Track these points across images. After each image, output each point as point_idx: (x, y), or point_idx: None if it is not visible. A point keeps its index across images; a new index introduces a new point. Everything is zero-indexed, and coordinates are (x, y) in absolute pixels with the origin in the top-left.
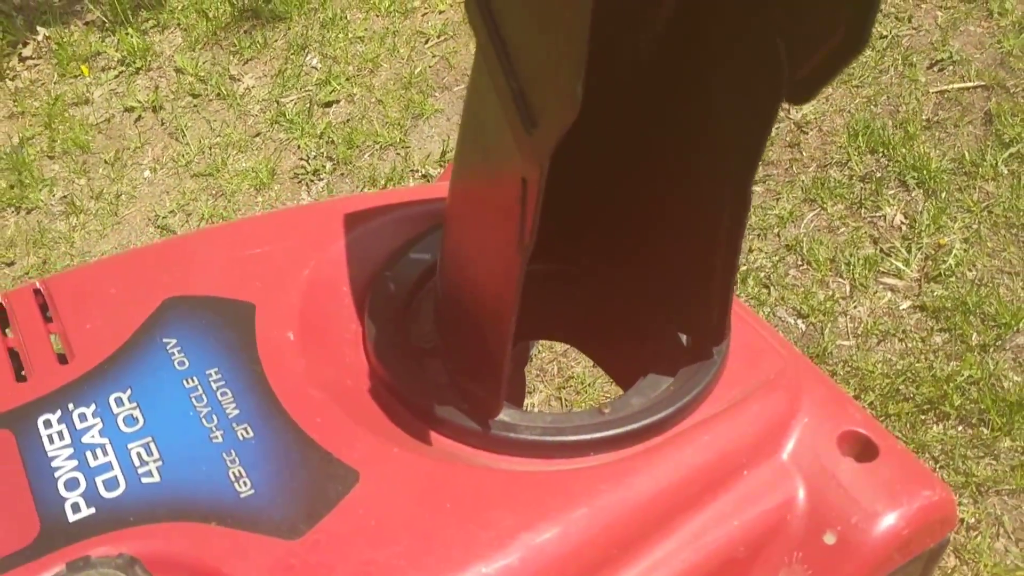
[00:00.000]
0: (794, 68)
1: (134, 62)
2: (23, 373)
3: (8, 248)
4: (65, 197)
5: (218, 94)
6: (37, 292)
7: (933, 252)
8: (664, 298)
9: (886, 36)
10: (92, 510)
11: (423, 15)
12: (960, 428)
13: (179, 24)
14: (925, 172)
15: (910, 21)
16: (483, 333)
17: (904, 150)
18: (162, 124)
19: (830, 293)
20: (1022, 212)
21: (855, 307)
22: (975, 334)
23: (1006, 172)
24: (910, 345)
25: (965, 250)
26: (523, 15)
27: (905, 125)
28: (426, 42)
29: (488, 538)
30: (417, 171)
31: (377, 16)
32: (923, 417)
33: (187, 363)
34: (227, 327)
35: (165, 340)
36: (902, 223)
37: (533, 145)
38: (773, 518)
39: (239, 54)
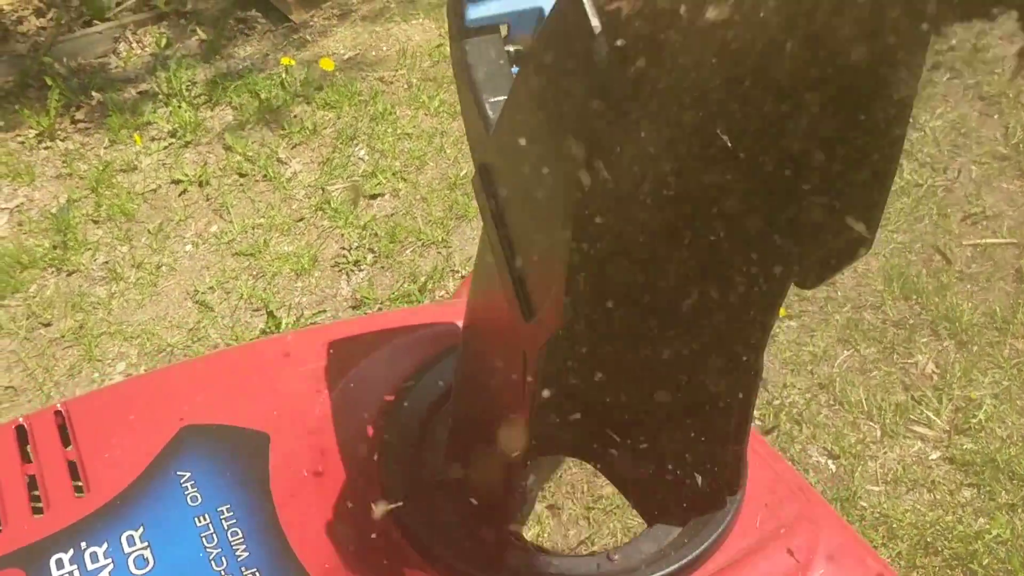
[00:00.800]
0: (801, 256)
1: (184, 135)
2: (39, 505)
3: (47, 308)
4: (107, 263)
5: (265, 175)
6: (58, 414)
7: (963, 405)
8: (681, 449)
9: (922, 185)
10: None
11: None
12: None
13: (230, 102)
14: (957, 324)
15: (945, 172)
16: (492, 481)
17: (937, 299)
18: (207, 199)
19: (861, 436)
20: None
21: (885, 452)
22: (1004, 492)
23: None
24: (939, 497)
25: (995, 406)
26: (522, 213)
27: (939, 275)
28: None
29: None
30: (458, 271)
31: (426, 115)
32: (951, 573)
33: (200, 499)
34: (241, 459)
35: (179, 473)
36: (933, 372)
37: (530, 332)
38: None
39: (288, 138)
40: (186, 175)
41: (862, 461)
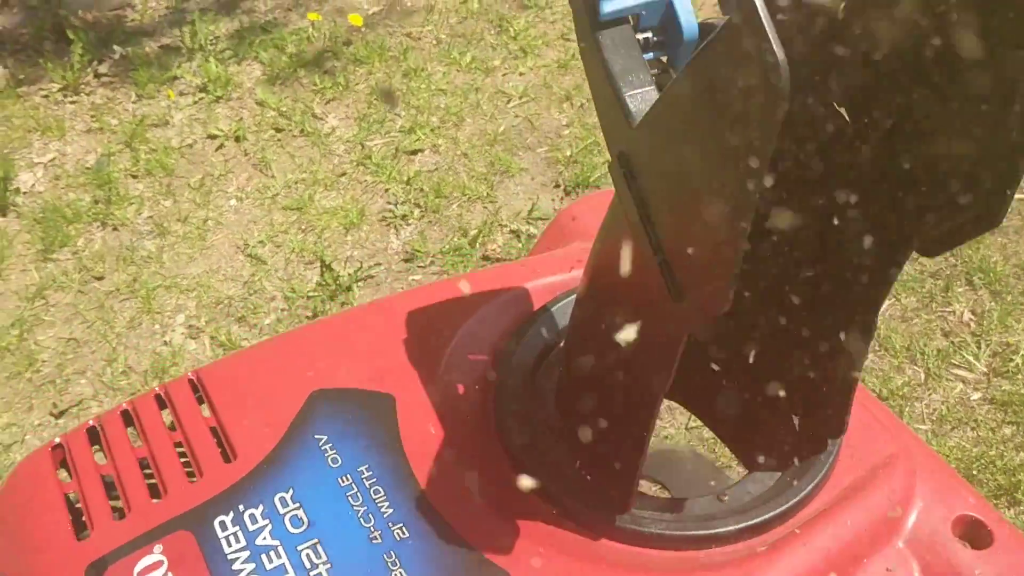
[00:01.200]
0: (927, 228)
1: (214, 90)
2: (192, 471)
3: (97, 262)
4: (151, 217)
5: (302, 131)
6: (192, 384)
7: (1000, 350)
8: (789, 393)
9: None
10: None
11: (503, 75)
12: None
13: (257, 57)
14: (991, 274)
15: None
16: (616, 440)
17: (971, 252)
18: (245, 155)
19: (907, 379)
20: None
21: (930, 394)
22: None
23: None
24: (982, 434)
25: None
26: (674, 202)
27: None
28: (508, 102)
29: None
30: (506, 226)
31: (458, 71)
32: (996, 502)
33: (340, 460)
34: (372, 422)
35: (317, 437)
36: (971, 319)
37: (678, 315)
38: None
39: (321, 93)
40: (221, 130)
41: (909, 402)
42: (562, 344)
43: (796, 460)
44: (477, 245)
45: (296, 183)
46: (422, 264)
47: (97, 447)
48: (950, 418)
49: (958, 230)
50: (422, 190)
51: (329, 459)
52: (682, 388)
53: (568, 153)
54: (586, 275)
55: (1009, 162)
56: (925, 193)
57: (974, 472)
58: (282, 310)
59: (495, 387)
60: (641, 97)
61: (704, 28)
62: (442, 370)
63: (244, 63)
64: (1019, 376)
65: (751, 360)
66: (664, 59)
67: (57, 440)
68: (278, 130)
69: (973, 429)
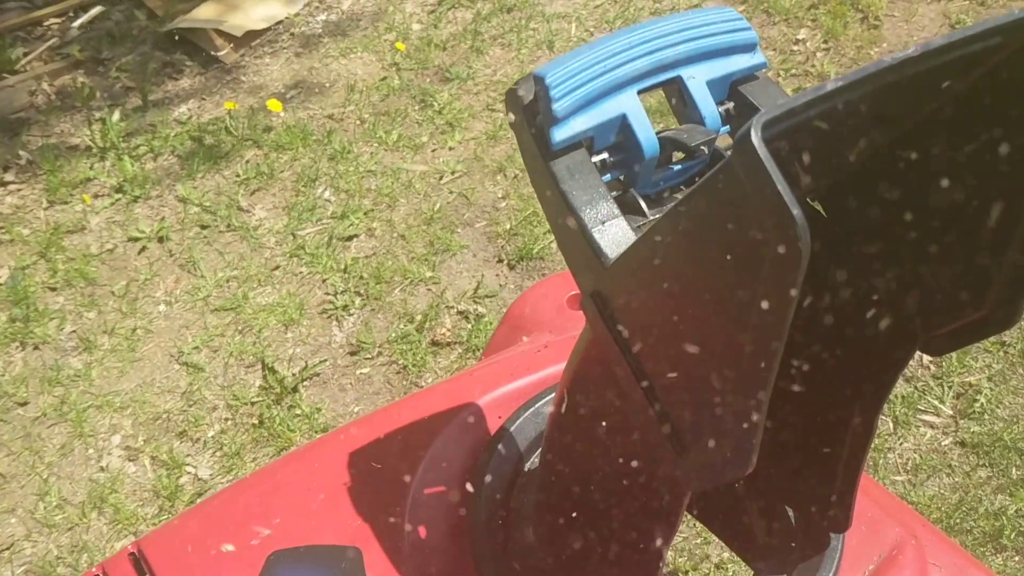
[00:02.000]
0: (932, 327)
1: (132, 190)
2: None
3: (18, 386)
4: (75, 331)
5: (229, 225)
6: (133, 558)
7: (963, 391)
8: (783, 490)
9: None
10: None
11: (432, 151)
12: (1017, 559)
13: (174, 151)
14: None
15: None
16: None
17: None
18: (171, 255)
19: (878, 431)
20: None
21: (902, 443)
22: (1015, 469)
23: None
24: (958, 480)
25: (992, 389)
26: (669, 350)
27: None
28: (440, 179)
29: None
30: (453, 307)
31: (386, 151)
32: (982, 550)
33: None
34: None
35: None
36: (930, 363)
37: (683, 468)
38: None
39: (245, 184)
40: (142, 231)
41: (883, 453)
42: (529, 466)
43: (801, 558)
44: (424, 331)
45: (228, 281)
46: (369, 356)
47: None
48: (925, 466)
49: (968, 331)
50: (361, 277)
51: None
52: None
53: (508, 226)
54: (562, 400)
55: (1018, 274)
56: (928, 295)
57: (957, 520)
58: (226, 419)
59: (469, 528)
60: (611, 231)
61: (664, 141)
62: (408, 512)
63: (160, 158)
64: (985, 416)
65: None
66: (622, 179)
67: None
68: (203, 227)
69: (949, 475)
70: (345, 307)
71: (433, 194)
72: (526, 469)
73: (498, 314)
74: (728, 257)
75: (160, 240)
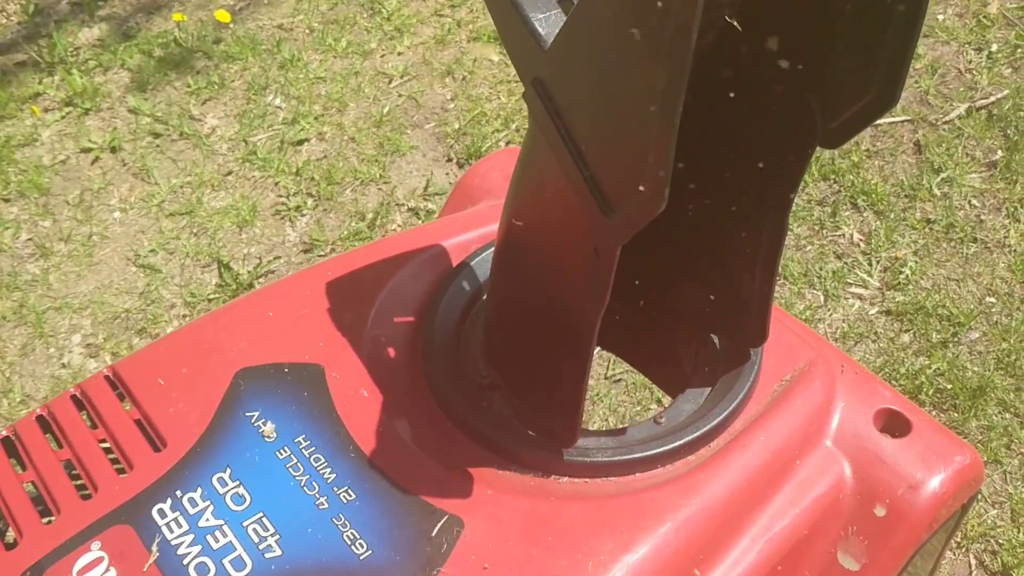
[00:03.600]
0: (828, 119)
1: (82, 103)
2: (121, 467)
3: None
4: (31, 239)
5: (181, 134)
6: (109, 379)
7: (890, 265)
8: (707, 310)
9: None
10: None
11: (381, 56)
12: (935, 413)
13: (123, 64)
14: (873, 196)
15: None
16: (555, 374)
17: (852, 176)
18: (124, 165)
19: (808, 303)
20: (956, 228)
21: (831, 314)
22: (935, 333)
23: (939, 194)
24: (883, 345)
25: (917, 262)
26: (596, 116)
27: (849, 155)
28: (390, 82)
29: (594, 565)
30: (403, 205)
31: (335, 57)
32: None
33: (275, 435)
34: (303, 392)
35: (248, 414)
36: (860, 240)
37: (609, 228)
38: (827, 500)
39: (196, 94)
40: (95, 143)
41: (813, 324)
42: (485, 296)
43: (721, 374)
44: (376, 228)
45: (182, 187)
46: (322, 253)
47: (14, 460)
48: (852, 334)
49: (859, 117)
50: (313, 179)
51: (264, 434)
52: (600, 329)
53: (456, 126)
54: (504, 219)
55: (899, 44)
56: (826, 86)
57: None
58: (184, 316)
59: (422, 345)
60: (549, 20)
61: None
62: (368, 334)
63: (110, 72)
64: (910, 287)
65: (669, 277)
66: None
67: None
68: (156, 136)
69: (874, 341)
70: (297, 208)
71: (382, 98)
72: (482, 300)
73: None
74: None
75: (113, 150)
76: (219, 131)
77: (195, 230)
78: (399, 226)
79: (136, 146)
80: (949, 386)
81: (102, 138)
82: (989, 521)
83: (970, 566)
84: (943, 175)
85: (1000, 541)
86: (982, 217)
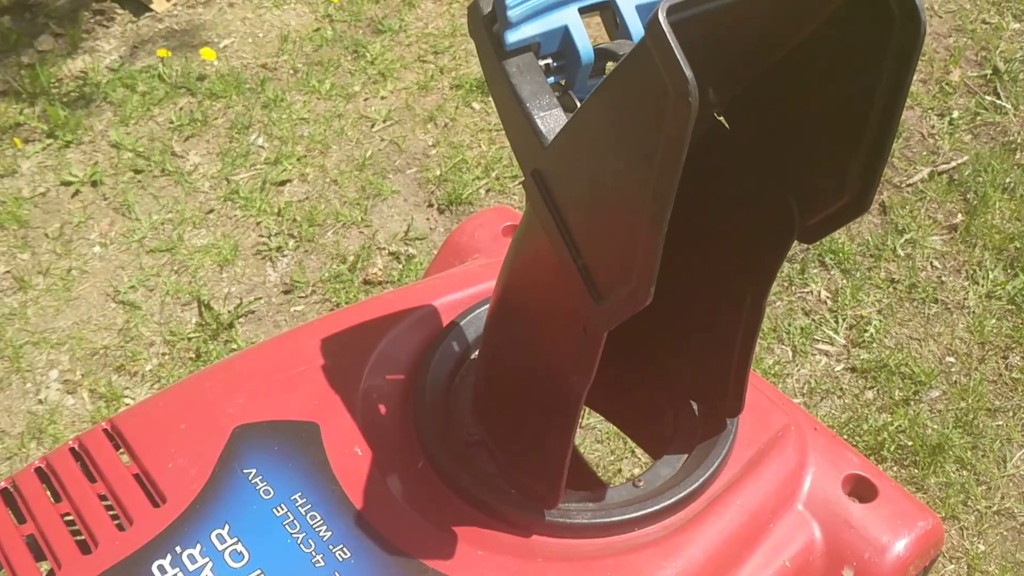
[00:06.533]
0: (806, 217)
1: (64, 135)
2: (120, 522)
3: None
4: (9, 272)
5: (163, 170)
6: (107, 432)
7: (856, 322)
8: (688, 380)
9: None
10: None
11: (365, 100)
12: (896, 469)
13: (106, 98)
14: (840, 255)
15: None
16: (540, 438)
17: None
18: (104, 199)
19: (776, 358)
20: (918, 288)
21: (799, 369)
22: (897, 390)
23: (903, 255)
24: (848, 401)
25: (881, 321)
26: (590, 213)
27: None
28: (372, 126)
29: None
30: (384, 249)
31: (319, 99)
32: None
33: (272, 491)
34: (299, 450)
35: (246, 471)
36: (827, 297)
37: (599, 312)
38: (798, 561)
39: (179, 131)
40: (75, 176)
41: (781, 379)
42: (474, 356)
43: (698, 442)
44: (356, 270)
45: (163, 224)
46: (303, 294)
47: (12, 511)
48: (819, 389)
49: (833, 218)
50: (295, 220)
51: (261, 491)
52: (597, 399)
53: (438, 172)
54: (500, 286)
55: (873, 158)
56: (804, 188)
57: (845, 436)
58: (163, 354)
59: (413, 403)
60: (550, 118)
61: (598, 52)
62: (362, 393)
63: (92, 105)
64: (874, 345)
65: (650, 350)
66: (563, 82)
67: None
68: (137, 171)
69: (840, 397)
70: (279, 248)
71: (365, 141)
72: (471, 359)
73: (428, 255)
74: (638, 117)
75: (94, 184)
76: (201, 168)
77: (176, 267)
78: (380, 270)
79: (117, 181)
80: (910, 443)
81: (83, 171)
82: (948, 573)
83: None
84: (906, 236)
85: None
86: (943, 278)
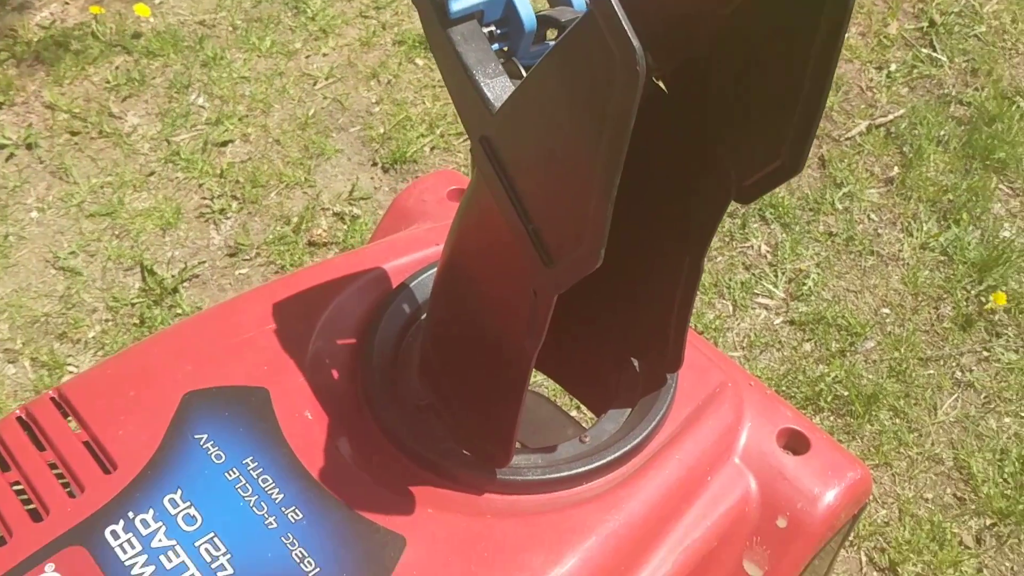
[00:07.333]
0: (742, 179)
1: None
2: (71, 489)
3: None
4: None
5: (100, 132)
6: (55, 401)
7: (795, 276)
8: (630, 337)
9: None
10: None
11: (306, 57)
12: (833, 418)
13: (38, 56)
14: (780, 209)
15: None
16: (491, 400)
17: None
18: (40, 162)
19: (717, 313)
20: (855, 241)
21: (739, 323)
22: (834, 342)
23: (841, 208)
24: (786, 353)
25: (819, 274)
26: (540, 178)
27: None
28: (315, 84)
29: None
30: (328, 209)
31: (259, 57)
32: (804, 411)
33: (224, 456)
34: (250, 415)
35: (197, 437)
36: (767, 252)
37: (550, 276)
38: (735, 512)
39: (116, 91)
40: (8, 138)
41: (722, 333)
42: (422, 319)
43: (640, 398)
44: (301, 232)
45: (102, 187)
46: (247, 257)
47: None
48: (759, 342)
49: (767, 179)
50: (237, 182)
51: (213, 456)
52: (542, 358)
53: (381, 131)
54: (447, 251)
55: (805, 123)
56: (739, 152)
57: (783, 387)
58: (106, 321)
59: (361, 368)
60: (496, 85)
61: (540, 19)
62: (310, 358)
63: (24, 65)
64: (812, 297)
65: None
66: (506, 49)
67: None
68: (74, 133)
69: (779, 350)
70: (222, 211)
71: (307, 100)
72: (418, 322)
73: (373, 215)
74: (586, 85)
75: (28, 147)
76: (140, 130)
77: (117, 232)
78: (324, 231)
79: (53, 143)
80: (846, 393)
81: (17, 134)
82: (879, 521)
83: (861, 563)
84: (844, 190)
85: (888, 539)
86: (879, 231)
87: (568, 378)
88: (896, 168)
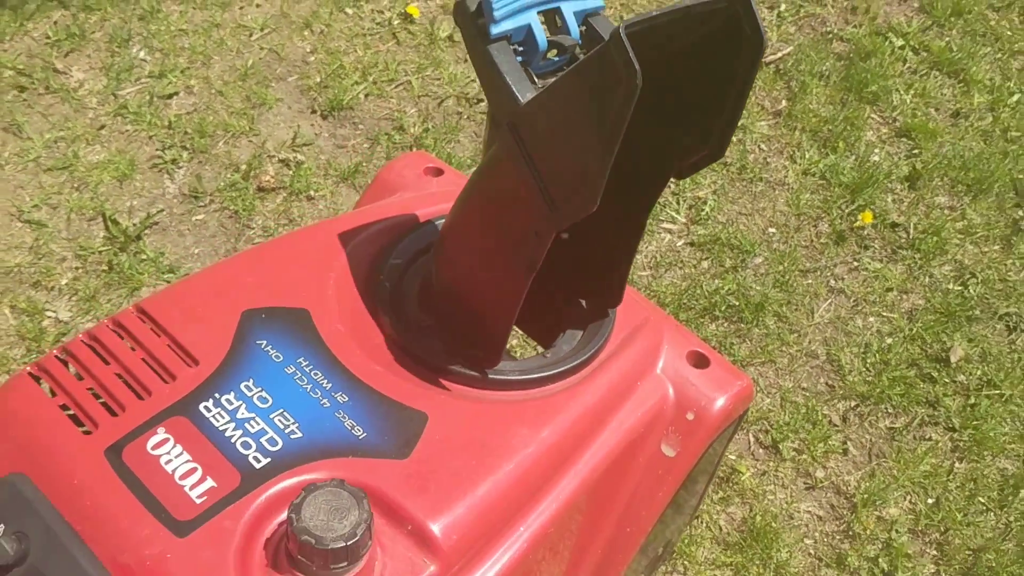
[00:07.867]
0: (680, 161)
1: None
2: (164, 378)
3: None
4: None
5: (47, 88)
6: (138, 314)
7: (694, 203)
8: (581, 280)
9: None
10: (268, 459)
11: (240, 8)
12: (726, 325)
13: None
14: None
15: None
16: (486, 323)
17: None
18: None
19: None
20: (747, 170)
21: (647, 247)
22: (728, 259)
23: (735, 140)
24: (687, 271)
25: (715, 201)
26: (554, 149)
27: None
28: (251, 35)
29: (518, 440)
30: (274, 156)
31: (195, 9)
32: (702, 320)
33: (281, 356)
34: (297, 327)
35: (258, 342)
36: (672, 183)
37: (551, 219)
38: (656, 409)
39: (57, 46)
40: None
41: None
42: (419, 262)
43: (588, 324)
44: (250, 178)
45: (56, 142)
46: (202, 204)
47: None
48: (663, 263)
49: (699, 162)
50: (186, 132)
51: (273, 356)
52: None
53: (318, 79)
54: (460, 203)
55: (728, 123)
56: (680, 140)
57: (685, 300)
58: (77, 268)
59: (376, 298)
60: (523, 87)
61: (550, 43)
62: (338, 286)
63: None
64: (709, 221)
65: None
66: (523, 61)
67: (29, 369)
68: (21, 89)
69: (680, 268)
70: (174, 161)
71: (245, 51)
72: (419, 262)
73: (316, 160)
74: (597, 92)
75: None
76: (87, 85)
77: (76, 184)
78: (272, 176)
79: (1, 100)
80: (737, 303)
81: None
82: (764, 408)
83: (749, 443)
84: (739, 123)
85: (771, 423)
86: (768, 160)
87: (524, 317)
88: (784, 102)
